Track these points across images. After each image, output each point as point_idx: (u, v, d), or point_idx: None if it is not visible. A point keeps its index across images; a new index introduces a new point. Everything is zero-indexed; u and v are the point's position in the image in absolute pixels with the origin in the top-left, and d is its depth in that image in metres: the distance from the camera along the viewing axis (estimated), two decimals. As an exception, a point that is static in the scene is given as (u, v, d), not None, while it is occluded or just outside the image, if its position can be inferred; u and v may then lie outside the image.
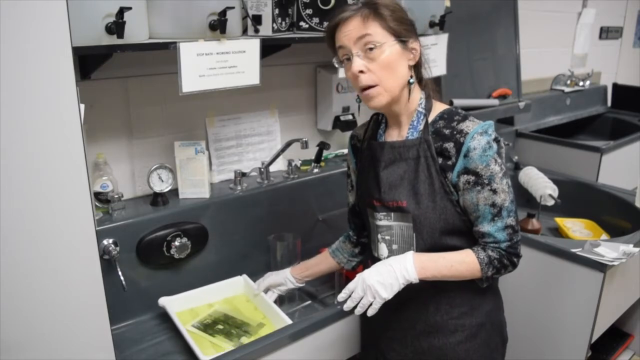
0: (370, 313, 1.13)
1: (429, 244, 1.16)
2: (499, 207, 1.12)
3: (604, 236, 1.95)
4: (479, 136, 1.10)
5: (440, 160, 1.13)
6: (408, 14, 1.15)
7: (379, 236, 1.22)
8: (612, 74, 3.73)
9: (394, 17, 1.10)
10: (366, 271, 1.15)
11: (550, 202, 2.03)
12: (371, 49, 1.09)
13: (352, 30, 1.09)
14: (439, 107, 1.19)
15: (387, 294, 1.11)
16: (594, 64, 3.42)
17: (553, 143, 2.61)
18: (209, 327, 1.38)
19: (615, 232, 1.96)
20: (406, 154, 1.16)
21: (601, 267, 1.53)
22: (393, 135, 1.21)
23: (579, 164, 2.48)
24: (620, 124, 3.23)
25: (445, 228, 1.15)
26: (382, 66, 1.10)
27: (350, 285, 1.16)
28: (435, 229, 1.15)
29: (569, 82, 3.19)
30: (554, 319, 1.68)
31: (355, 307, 1.15)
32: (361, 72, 1.10)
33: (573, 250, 1.60)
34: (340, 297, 1.17)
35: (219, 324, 1.39)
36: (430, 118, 1.17)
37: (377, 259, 1.23)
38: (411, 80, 1.14)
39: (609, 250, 1.57)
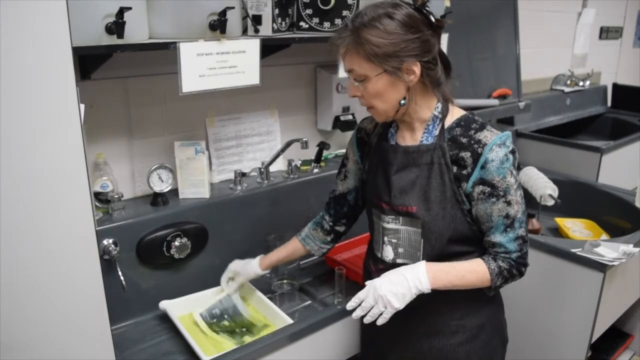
0: (380, 322, 1.11)
1: (437, 250, 1.15)
2: (512, 218, 1.12)
3: (604, 236, 1.95)
4: (497, 148, 1.08)
5: (455, 168, 1.12)
6: (401, 31, 1.04)
7: (385, 238, 1.21)
8: (612, 74, 3.73)
9: (379, 49, 1.03)
10: (377, 280, 1.12)
11: (550, 202, 2.02)
12: (359, 80, 1.10)
13: (341, 59, 1.10)
14: (456, 113, 1.16)
15: (400, 304, 1.09)
16: (594, 64, 3.42)
17: (553, 143, 2.61)
18: (216, 319, 1.40)
19: (615, 232, 1.96)
20: (420, 160, 1.14)
21: (601, 267, 1.53)
22: (405, 137, 1.19)
23: (579, 164, 2.48)
24: (620, 124, 3.23)
25: (453, 236, 1.14)
26: (371, 95, 1.11)
27: (361, 294, 1.13)
28: (443, 236, 1.14)
29: (569, 82, 3.19)
30: (554, 319, 1.68)
31: (364, 315, 1.13)
32: (356, 95, 1.13)
33: (573, 250, 1.60)
34: (350, 305, 1.15)
35: (225, 320, 1.41)
36: (447, 124, 1.14)
37: (381, 260, 1.23)
38: (402, 102, 1.11)
39: (609, 250, 1.57)
